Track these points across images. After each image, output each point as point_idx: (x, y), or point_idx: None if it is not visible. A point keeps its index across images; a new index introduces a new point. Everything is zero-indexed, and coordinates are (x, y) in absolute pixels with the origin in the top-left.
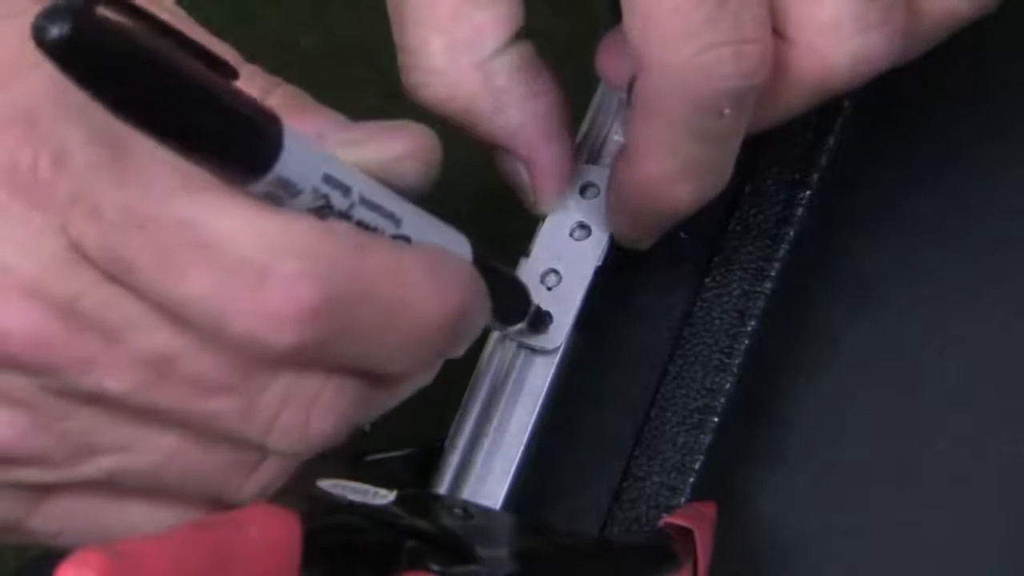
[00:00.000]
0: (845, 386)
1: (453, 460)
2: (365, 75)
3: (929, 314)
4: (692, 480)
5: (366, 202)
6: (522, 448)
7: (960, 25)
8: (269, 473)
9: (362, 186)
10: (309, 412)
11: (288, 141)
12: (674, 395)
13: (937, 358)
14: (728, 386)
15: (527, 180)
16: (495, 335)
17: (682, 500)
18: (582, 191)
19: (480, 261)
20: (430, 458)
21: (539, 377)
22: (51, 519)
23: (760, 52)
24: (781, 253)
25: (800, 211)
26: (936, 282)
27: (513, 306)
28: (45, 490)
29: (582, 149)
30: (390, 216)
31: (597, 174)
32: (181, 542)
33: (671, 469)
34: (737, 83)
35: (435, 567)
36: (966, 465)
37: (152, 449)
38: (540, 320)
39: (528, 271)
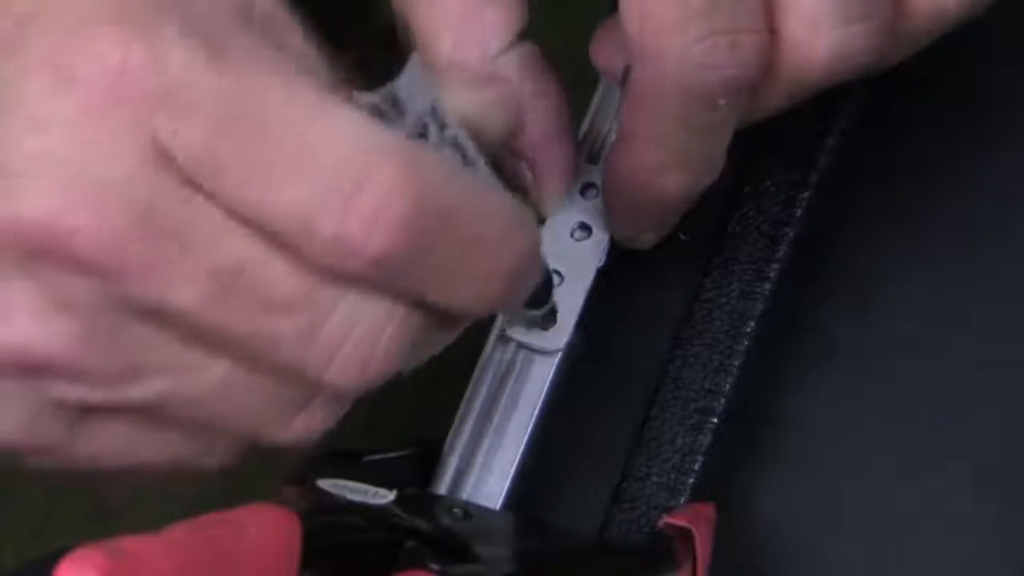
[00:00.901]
0: (845, 387)
1: (453, 460)
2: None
3: (929, 315)
4: (691, 481)
5: (456, 143)
6: (522, 448)
7: (949, 25)
8: (317, 415)
9: (455, 126)
10: (373, 344)
11: (410, 62)
12: (674, 396)
13: (937, 359)
14: (727, 387)
15: (530, 180)
16: (495, 335)
17: (681, 500)
18: (582, 191)
19: None
20: (430, 458)
21: (539, 378)
22: (92, 444)
23: (756, 43)
24: (780, 254)
25: (799, 212)
26: (936, 283)
27: (539, 289)
28: (89, 411)
29: (582, 149)
30: (472, 164)
31: (597, 174)
32: (181, 541)
33: (670, 469)
34: (733, 73)
35: (434, 567)
36: (966, 467)
37: (204, 374)
38: (553, 312)
39: None
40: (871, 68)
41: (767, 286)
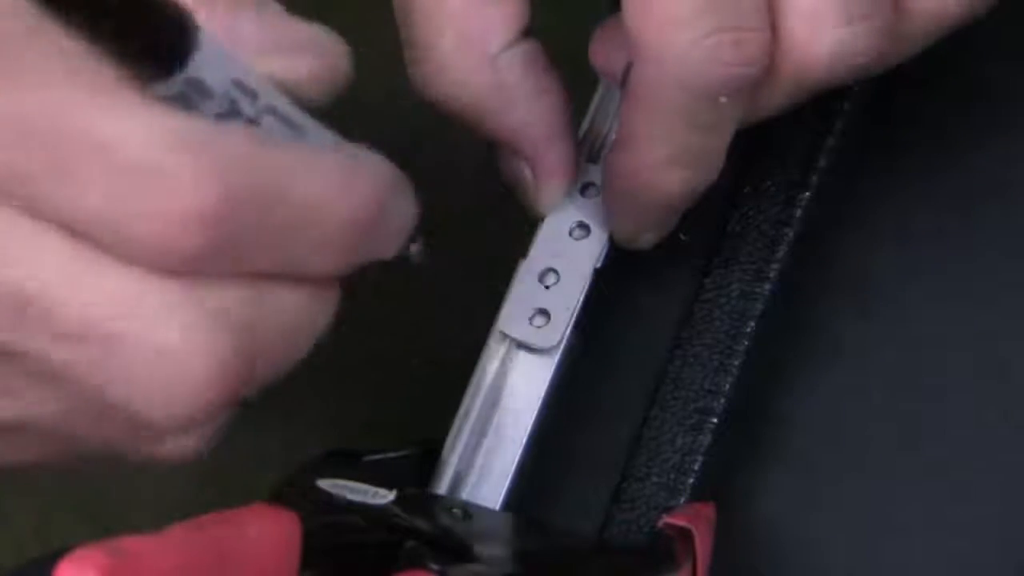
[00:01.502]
0: (845, 387)
1: (452, 460)
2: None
3: (929, 315)
4: (691, 481)
5: (274, 111)
6: (521, 448)
7: (950, 27)
8: (192, 435)
9: (270, 95)
10: (248, 336)
11: (204, 40)
12: (673, 396)
13: (937, 359)
14: (727, 387)
15: (530, 179)
16: (494, 335)
17: (681, 501)
18: (582, 191)
19: None
20: (430, 458)
21: (538, 378)
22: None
23: (758, 40)
24: (780, 254)
25: (799, 212)
26: (936, 283)
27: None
28: None
29: (582, 148)
30: (298, 128)
31: (597, 174)
32: (181, 541)
33: (670, 470)
34: (736, 71)
35: (434, 567)
36: (966, 466)
37: (48, 402)
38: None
39: (527, 270)
40: (872, 69)
41: (767, 286)
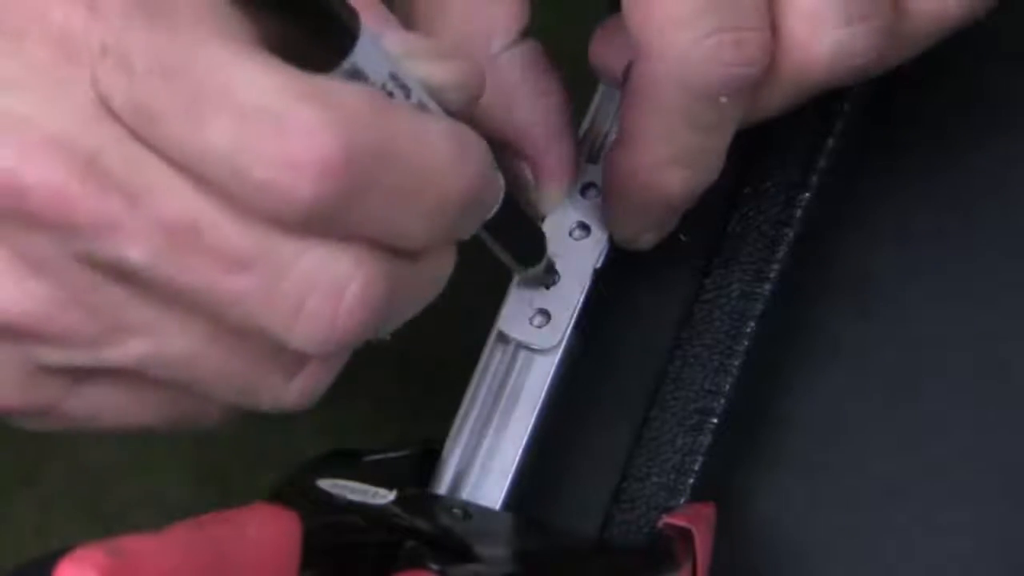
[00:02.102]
0: (845, 387)
1: (453, 460)
2: None
3: (929, 315)
4: (691, 481)
5: (422, 107)
6: (521, 448)
7: (950, 28)
8: (312, 378)
9: (420, 92)
10: (339, 296)
11: (364, 33)
12: (673, 396)
13: (937, 359)
14: (727, 387)
15: (530, 180)
16: (495, 335)
17: (681, 501)
18: (582, 191)
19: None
20: (430, 458)
21: (538, 377)
22: (84, 405)
23: (759, 40)
24: (780, 255)
25: (799, 213)
26: (936, 283)
27: (532, 246)
28: (79, 374)
29: (582, 149)
30: None
31: (597, 174)
32: (181, 541)
33: (670, 470)
34: (737, 71)
35: (434, 567)
36: (966, 467)
37: (182, 337)
38: (552, 267)
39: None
40: (871, 70)
41: (767, 287)
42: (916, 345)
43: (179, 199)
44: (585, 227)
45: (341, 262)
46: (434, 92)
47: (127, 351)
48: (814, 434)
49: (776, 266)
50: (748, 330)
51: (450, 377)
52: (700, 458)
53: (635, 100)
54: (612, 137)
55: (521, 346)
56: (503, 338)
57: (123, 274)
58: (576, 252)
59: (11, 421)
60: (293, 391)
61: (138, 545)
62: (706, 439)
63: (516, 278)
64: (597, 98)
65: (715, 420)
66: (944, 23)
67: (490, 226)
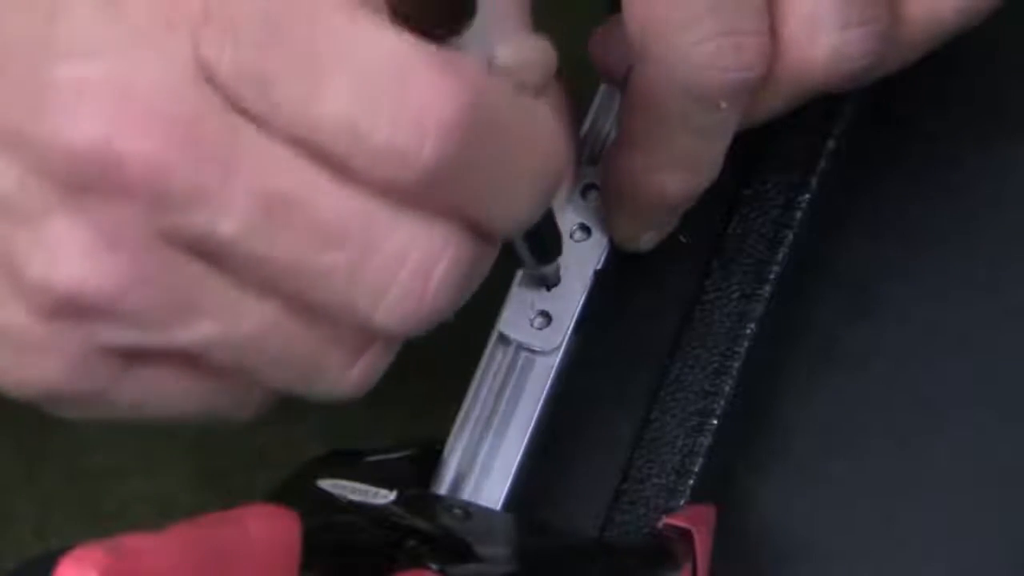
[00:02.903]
0: (845, 389)
1: (453, 461)
2: None
3: (929, 317)
4: (691, 482)
5: None
6: (522, 449)
7: (946, 34)
8: (371, 363)
9: None
10: (428, 273)
11: (481, 7)
12: (674, 397)
13: (937, 360)
14: (728, 388)
15: None
16: (495, 336)
17: (681, 502)
18: (583, 193)
19: None
20: (430, 458)
21: (539, 378)
22: (134, 392)
23: (758, 44)
24: (780, 256)
25: (799, 214)
26: (936, 284)
27: (550, 243)
28: (134, 358)
29: (582, 150)
30: None
31: (597, 176)
32: (181, 540)
33: (671, 471)
34: (736, 75)
35: (435, 567)
36: (966, 467)
37: (253, 317)
38: (556, 271)
39: (528, 272)
40: (870, 74)
41: (767, 288)
42: (916, 346)
43: (278, 169)
44: (586, 229)
45: (433, 238)
46: (519, 69)
47: (196, 332)
48: (814, 435)
49: (776, 267)
50: (748, 331)
51: (450, 377)
52: (700, 459)
53: (634, 103)
54: (612, 138)
55: (522, 348)
56: (504, 339)
57: (204, 251)
58: (577, 254)
59: (49, 406)
60: (351, 377)
61: (138, 544)
62: (706, 440)
63: (518, 278)
64: (597, 99)
65: (715, 421)
66: (940, 29)
67: None
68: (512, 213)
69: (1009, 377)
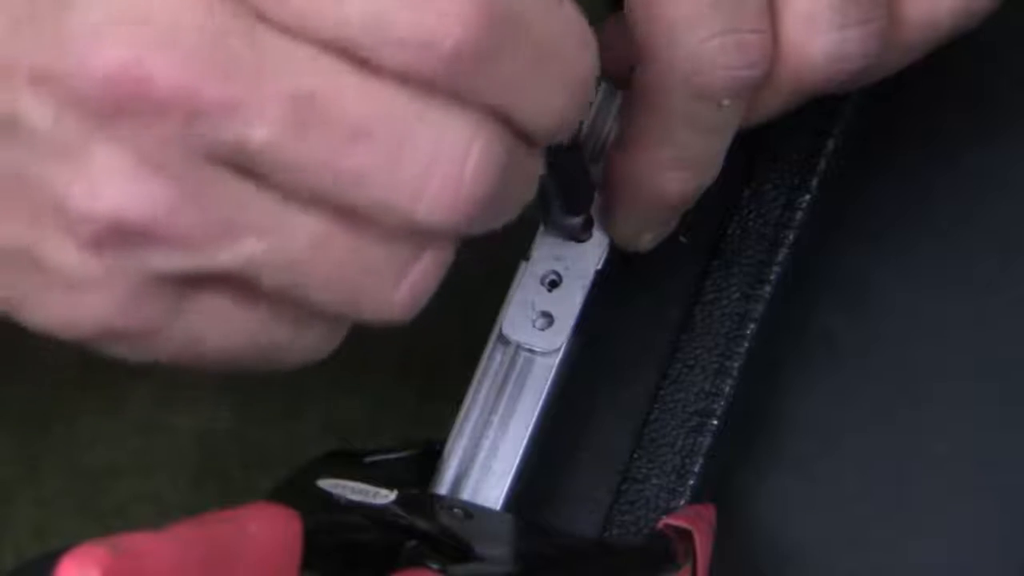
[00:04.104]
0: (845, 389)
1: (453, 461)
2: None
3: (929, 317)
4: (692, 483)
5: None
6: (522, 449)
7: (943, 36)
8: (421, 274)
9: None
10: (462, 163)
11: None
12: (674, 398)
13: (937, 361)
14: (728, 389)
15: None
16: (495, 336)
17: (682, 502)
18: None
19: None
20: (430, 459)
21: (539, 379)
22: (187, 324)
23: (761, 42)
24: (780, 257)
25: (799, 215)
26: (935, 285)
27: (582, 193)
28: (185, 287)
29: (582, 150)
30: None
31: (597, 174)
32: (182, 538)
33: (671, 472)
34: (740, 73)
35: (435, 566)
36: (966, 468)
37: (298, 232)
38: (590, 223)
39: (528, 273)
40: (869, 75)
41: (767, 288)
42: (915, 345)
43: (304, 71)
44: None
45: (463, 125)
46: None
47: (244, 251)
48: (814, 435)
49: (776, 268)
50: (748, 332)
51: (450, 377)
52: (700, 459)
53: (636, 101)
54: (612, 138)
55: (522, 348)
56: (504, 339)
57: (243, 165)
58: (577, 254)
59: (106, 347)
60: (399, 297)
61: (139, 542)
62: (706, 440)
63: (518, 278)
64: (597, 98)
65: (715, 422)
66: (936, 31)
67: (558, 160)
68: (542, 111)
69: (1009, 376)
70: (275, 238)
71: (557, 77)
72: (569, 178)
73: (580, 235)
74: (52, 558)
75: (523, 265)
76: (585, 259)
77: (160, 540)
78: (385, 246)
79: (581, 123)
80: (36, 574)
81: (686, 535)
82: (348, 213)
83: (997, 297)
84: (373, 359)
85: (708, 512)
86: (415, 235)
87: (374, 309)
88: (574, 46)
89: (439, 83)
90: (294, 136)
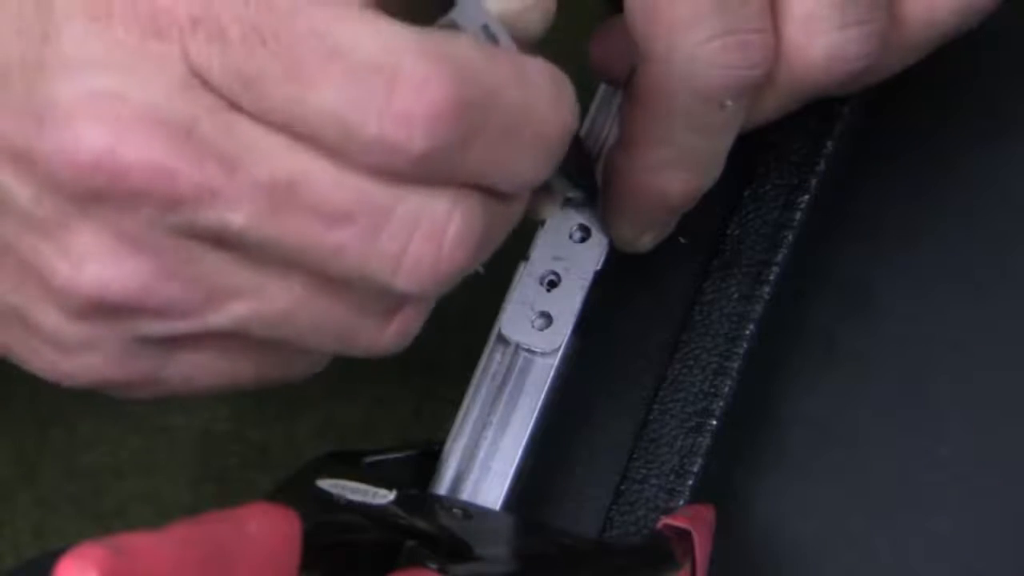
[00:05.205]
0: (844, 390)
1: (453, 461)
2: None
3: (928, 318)
4: (691, 483)
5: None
6: (521, 450)
7: (943, 36)
8: (406, 321)
9: (508, 43)
10: (440, 238)
11: None
12: (673, 398)
13: (936, 362)
14: (727, 389)
15: None
16: (495, 337)
17: (681, 503)
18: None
19: None
20: (430, 459)
21: (539, 379)
22: (181, 371)
23: (763, 42)
24: (780, 257)
25: (799, 215)
26: (935, 286)
27: (581, 163)
28: (175, 342)
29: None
30: None
31: (598, 175)
32: (181, 538)
33: (670, 472)
34: (741, 73)
35: (434, 566)
36: (966, 469)
37: (281, 294)
38: (595, 190)
39: (527, 273)
40: (870, 76)
41: (766, 289)
42: (915, 345)
43: (277, 160)
44: (585, 229)
45: (440, 203)
46: (516, 19)
47: (228, 315)
48: (813, 435)
49: (775, 268)
50: (747, 332)
51: (450, 377)
52: (699, 460)
53: (637, 102)
54: (612, 138)
55: (522, 348)
56: (503, 340)
57: (223, 240)
58: (576, 255)
59: (109, 392)
60: (388, 335)
61: (138, 542)
62: (705, 441)
63: (518, 278)
64: (597, 99)
65: (714, 422)
66: (936, 31)
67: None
68: (519, 178)
69: (1009, 376)
70: (257, 301)
71: (531, 141)
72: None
73: (589, 202)
74: (52, 558)
75: (522, 265)
76: (584, 259)
77: (159, 540)
78: (366, 303)
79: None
80: (36, 574)
81: (685, 535)
82: (328, 279)
83: (997, 297)
84: (372, 360)
85: (707, 512)
86: (396, 297)
87: (364, 348)
88: (545, 107)
89: (411, 176)
90: (271, 220)
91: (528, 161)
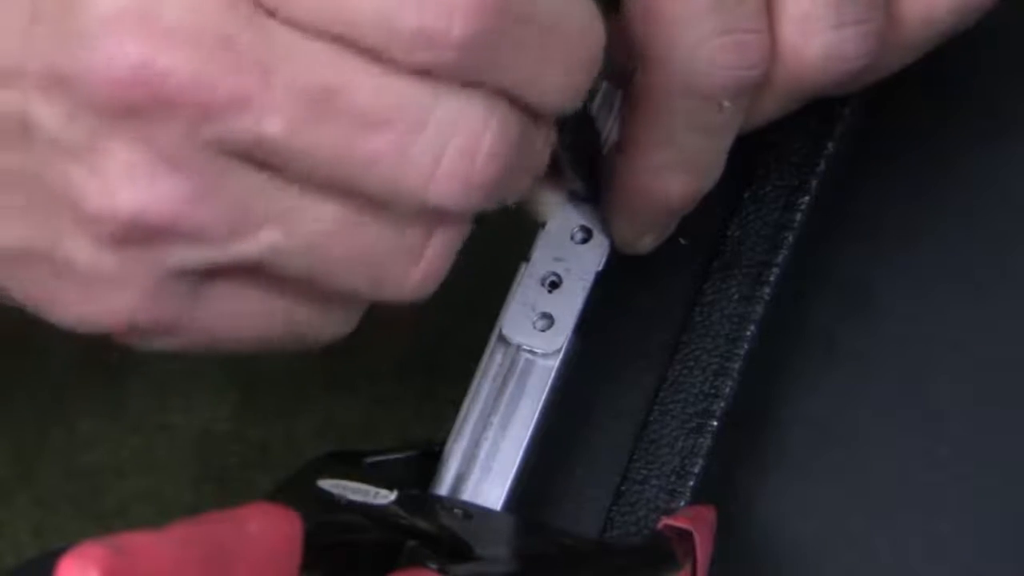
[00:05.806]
0: (844, 391)
1: (453, 462)
2: None
3: (928, 318)
4: (691, 484)
5: None
6: (522, 450)
7: (941, 34)
8: (434, 258)
9: None
10: (474, 149)
11: None
12: (673, 399)
13: (937, 363)
14: (727, 390)
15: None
16: (495, 337)
17: (681, 504)
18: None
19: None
20: (430, 459)
21: (539, 380)
22: (210, 313)
23: (760, 42)
24: (780, 258)
25: (799, 216)
26: (935, 286)
27: (593, 159)
28: (205, 278)
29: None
30: None
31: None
32: (181, 538)
33: (670, 473)
34: (739, 74)
35: (435, 566)
36: (967, 470)
37: (314, 219)
38: (597, 187)
39: (529, 274)
40: (866, 76)
41: (766, 290)
42: (915, 346)
43: (316, 65)
44: (587, 230)
45: (476, 111)
46: None
47: (261, 241)
48: (814, 436)
49: (776, 269)
50: (748, 333)
51: (450, 377)
52: (700, 460)
53: (637, 103)
54: (612, 139)
55: (522, 349)
56: (504, 340)
57: (257, 158)
58: (577, 255)
59: (132, 341)
60: (415, 276)
61: (139, 542)
62: (706, 441)
63: (519, 278)
64: (597, 99)
65: (715, 423)
66: (934, 29)
67: (568, 126)
68: (552, 89)
69: (1009, 376)
70: (292, 226)
71: (565, 55)
72: (579, 144)
73: (588, 194)
74: (52, 558)
75: (523, 266)
76: (585, 260)
77: (159, 540)
78: (398, 230)
79: (593, 92)
80: (36, 574)
81: (686, 536)
82: (363, 198)
83: (997, 298)
84: (372, 359)
85: (708, 513)
86: (429, 216)
87: (392, 289)
88: (580, 22)
89: (450, 72)
90: (308, 129)
91: (563, 73)
